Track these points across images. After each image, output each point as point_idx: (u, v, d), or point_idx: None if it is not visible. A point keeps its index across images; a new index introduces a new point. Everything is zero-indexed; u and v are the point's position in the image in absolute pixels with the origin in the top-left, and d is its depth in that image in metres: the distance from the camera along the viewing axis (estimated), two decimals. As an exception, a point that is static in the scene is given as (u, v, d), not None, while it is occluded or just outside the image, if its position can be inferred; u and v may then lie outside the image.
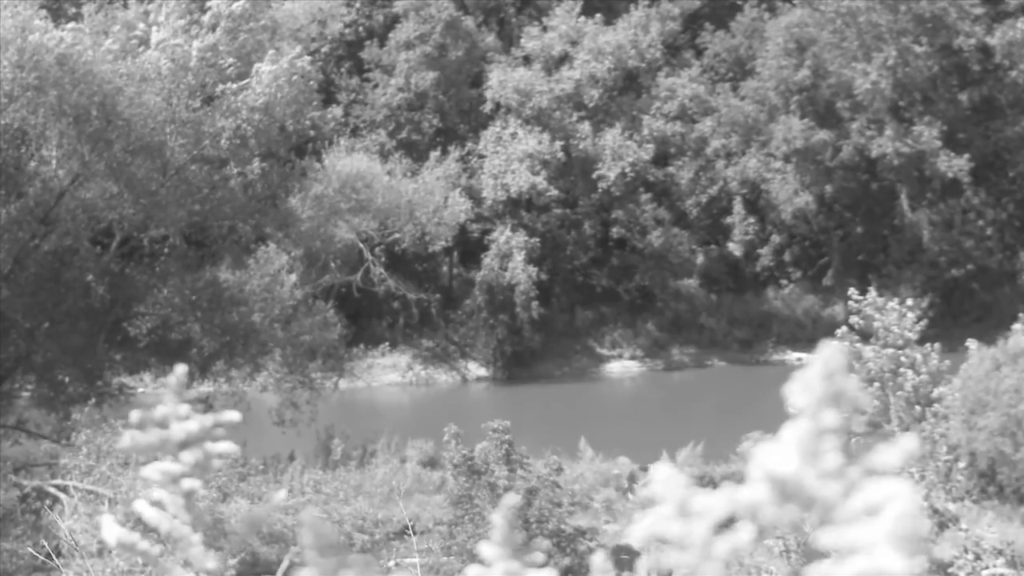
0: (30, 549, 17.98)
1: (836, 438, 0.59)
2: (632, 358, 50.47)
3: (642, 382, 48.83)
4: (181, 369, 1.04)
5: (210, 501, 21.25)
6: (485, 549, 0.93)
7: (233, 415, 1.04)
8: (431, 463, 29.74)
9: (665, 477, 0.64)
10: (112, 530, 1.05)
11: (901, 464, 0.58)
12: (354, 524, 25.28)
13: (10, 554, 22.26)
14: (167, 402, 1.03)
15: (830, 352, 0.59)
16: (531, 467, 16.80)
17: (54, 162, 27.40)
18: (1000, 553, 7.80)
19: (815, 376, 0.59)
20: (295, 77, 28.48)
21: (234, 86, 27.97)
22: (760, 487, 0.61)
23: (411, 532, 17.97)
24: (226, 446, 1.04)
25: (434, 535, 18.53)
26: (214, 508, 21.73)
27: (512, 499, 0.94)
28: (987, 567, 7.32)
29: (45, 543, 14.96)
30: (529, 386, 46.19)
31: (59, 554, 13.33)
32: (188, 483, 1.04)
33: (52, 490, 24.54)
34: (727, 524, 0.64)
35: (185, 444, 1.02)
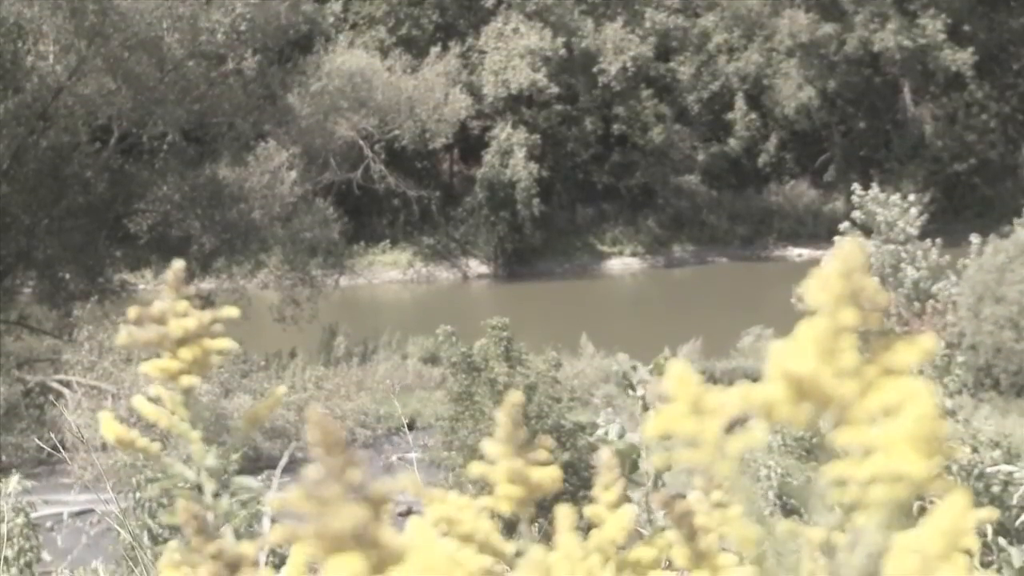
0: (36, 441, 18.14)
1: (853, 337, 0.58)
2: (633, 255, 50.51)
3: (643, 279, 48.93)
4: (179, 265, 1.02)
5: (212, 397, 21.37)
6: (487, 446, 0.92)
7: (232, 311, 1.02)
8: (432, 359, 29.89)
9: (678, 373, 0.63)
10: (111, 427, 1.04)
11: (919, 363, 0.57)
12: (356, 419, 25.50)
13: (15, 447, 22.51)
14: (165, 298, 1.01)
15: (849, 249, 0.57)
16: (530, 363, 16.88)
17: (51, 57, 27.18)
18: (997, 445, 7.84)
19: (833, 273, 0.57)
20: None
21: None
22: (776, 385, 0.59)
23: (406, 429, 18.12)
24: (225, 342, 1.02)
25: (436, 430, 18.69)
26: (217, 404, 21.92)
27: (516, 397, 0.93)
28: (982, 461, 7.35)
29: (52, 436, 15.09)
30: (530, 283, 46.29)
31: (64, 447, 13.45)
32: (186, 380, 1.02)
33: (55, 385, 24.72)
34: (739, 422, 0.62)
35: (183, 341, 1.01)
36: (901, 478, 0.54)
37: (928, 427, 0.54)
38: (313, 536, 0.63)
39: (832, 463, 0.58)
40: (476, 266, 49.50)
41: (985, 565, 3.43)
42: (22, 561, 5.93)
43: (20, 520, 5.98)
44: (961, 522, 0.54)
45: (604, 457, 0.94)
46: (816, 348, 0.57)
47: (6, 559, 5.73)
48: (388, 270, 48.74)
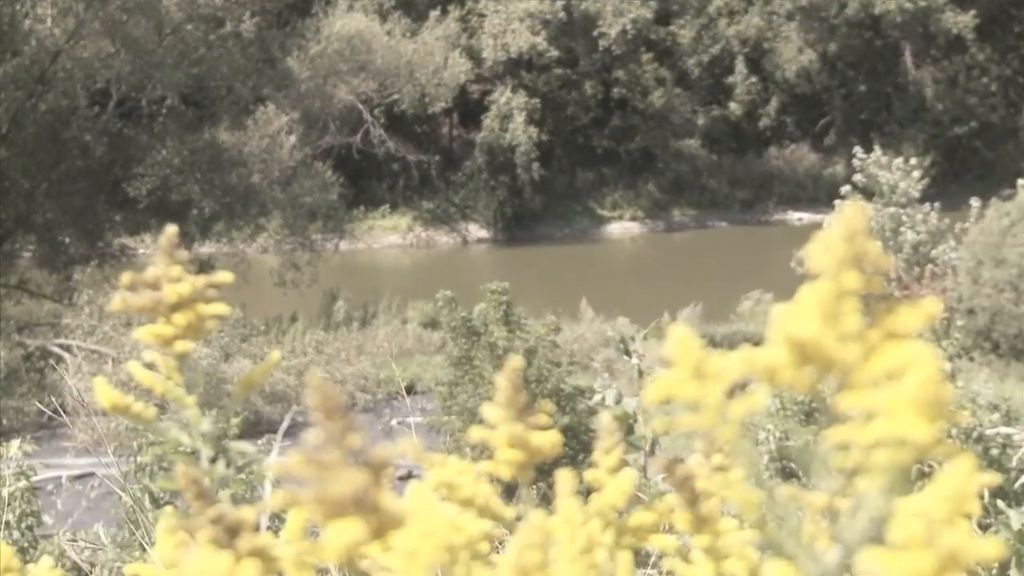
0: (37, 405, 18.16)
1: (856, 300, 0.57)
2: (633, 219, 50.45)
3: (643, 243, 48.89)
4: (172, 229, 1.01)
5: (212, 361, 21.35)
6: (487, 410, 0.92)
7: (226, 276, 1.01)
8: (432, 324, 29.90)
9: (680, 337, 0.62)
10: (105, 392, 1.03)
11: (923, 327, 0.57)
12: (356, 384, 25.55)
13: (16, 411, 22.55)
14: (158, 263, 1.00)
15: (852, 212, 0.57)
16: (530, 328, 16.91)
17: (49, 20, 27.05)
18: (996, 408, 7.86)
19: (837, 236, 0.57)
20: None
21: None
22: (779, 349, 0.59)
23: (402, 395, 18.15)
24: (219, 307, 1.02)
25: (436, 395, 18.71)
26: (217, 368, 21.95)
27: (516, 361, 0.93)
28: (981, 423, 7.38)
29: (53, 400, 15.10)
30: (530, 247, 46.27)
31: (65, 411, 13.46)
32: (180, 345, 1.02)
33: (56, 349, 24.74)
34: (741, 386, 0.62)
35: (177, 306, 1.00)
36: (904, 442, 0.54)
37: (932, 391, 0.54)
38: (313, 501, 0.62)
39: (835, 427, 0.57)
40: (476, 230, 49.45)
41: (983, 528, 3.44)
42: (24, 525, 5.95)
43: (22, 484, 6.00)
44: (967, 486, 0.54)
45: (604, 421, 0.94)
46: (819, 312, 0.57)
47: (7, 523, 5.75)
48: (388, 234, 48.70)
